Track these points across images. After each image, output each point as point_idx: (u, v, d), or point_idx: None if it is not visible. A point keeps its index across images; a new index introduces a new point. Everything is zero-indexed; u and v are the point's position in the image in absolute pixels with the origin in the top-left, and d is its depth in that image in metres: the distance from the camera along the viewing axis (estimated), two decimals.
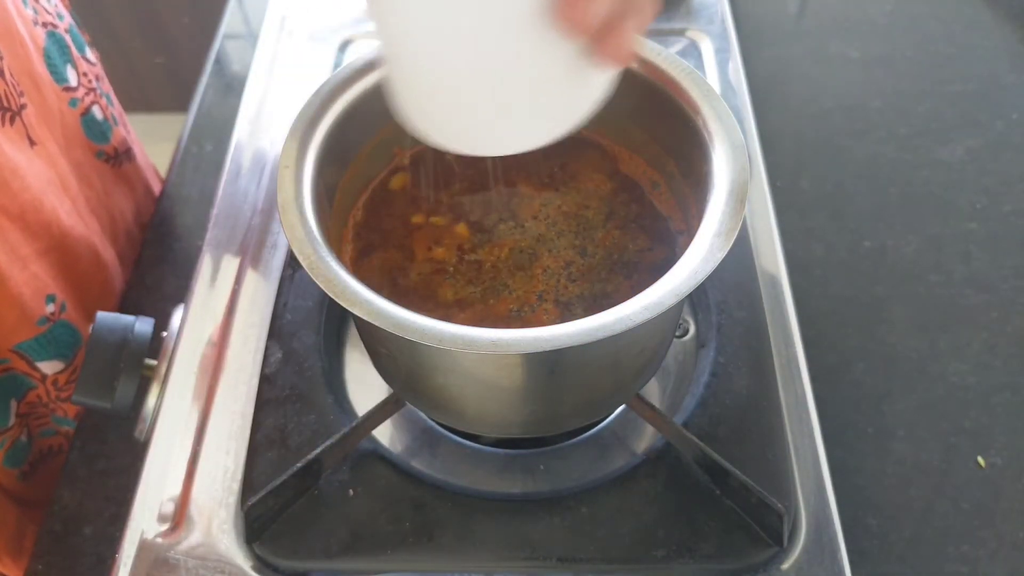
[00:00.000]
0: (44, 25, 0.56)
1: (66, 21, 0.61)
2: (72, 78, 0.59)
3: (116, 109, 0.67)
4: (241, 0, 0.82)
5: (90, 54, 0.64)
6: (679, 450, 0.46)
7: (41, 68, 0.54)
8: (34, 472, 0.59)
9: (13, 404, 0.55)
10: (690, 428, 0.46)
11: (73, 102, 0.58)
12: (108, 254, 0.62)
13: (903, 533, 0.50)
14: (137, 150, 0.70)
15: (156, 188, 0.75)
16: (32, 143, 0.52)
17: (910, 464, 0.53)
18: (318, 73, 0.69)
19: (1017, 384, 0.56)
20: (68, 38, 0.59)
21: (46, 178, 0.53)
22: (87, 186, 0.61)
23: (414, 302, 0.42)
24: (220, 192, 0.61)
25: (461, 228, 0.45)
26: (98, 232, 0.61)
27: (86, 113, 0.60)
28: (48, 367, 0.55)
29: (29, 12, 0.54)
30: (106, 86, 0.67)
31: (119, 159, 0.65)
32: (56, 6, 0.60)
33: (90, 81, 0.61)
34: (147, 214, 0.71)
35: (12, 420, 0.55)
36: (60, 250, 0.55)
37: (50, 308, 0.54)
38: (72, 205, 0.57)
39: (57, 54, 0.57)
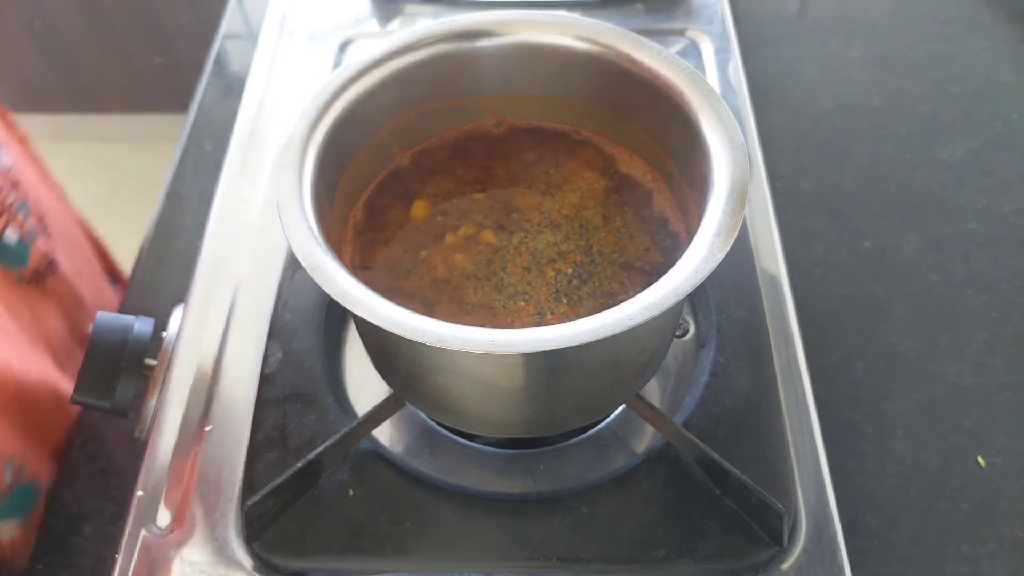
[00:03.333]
0: None
1: None
2: None
3: (35, 215, 0.59)
4: (241, 0, 0.82)
5: (3, 157, 0.57)
6: (679, 450, 0.46)
7: None
8: None
9: None
10: (690, 428, 0.46)
11: None
12: (60, 382, 0.57)
13: (903, 533, 0.50)
14: (61, 229, 0.61)
15: (87, 237, 0.68)
16: None
17: (910, 464, 0.53)
18: (318, 73, 0.69)
19: (1017, 384, 0.56)
20: None
21: None
22: (18, 318, 0.55)
23: (428, 310, 0.42)
24: (220, 192, 0.61)
25: (484, 235, 0.45)
26: (48, 362, 0.57)
27: None
28: (6, 529, 0.51)
29: None
30: (23, 192, 0.59)
31: (41, 276, 0.59)
32: None
33: (2, 199, 0.55)
34: (79, 323, 0.65)
35: None
36: (19, 402, 0.51)
37: (7, 477, 0.50)
38: (17, 348, 0.52)
39: None
